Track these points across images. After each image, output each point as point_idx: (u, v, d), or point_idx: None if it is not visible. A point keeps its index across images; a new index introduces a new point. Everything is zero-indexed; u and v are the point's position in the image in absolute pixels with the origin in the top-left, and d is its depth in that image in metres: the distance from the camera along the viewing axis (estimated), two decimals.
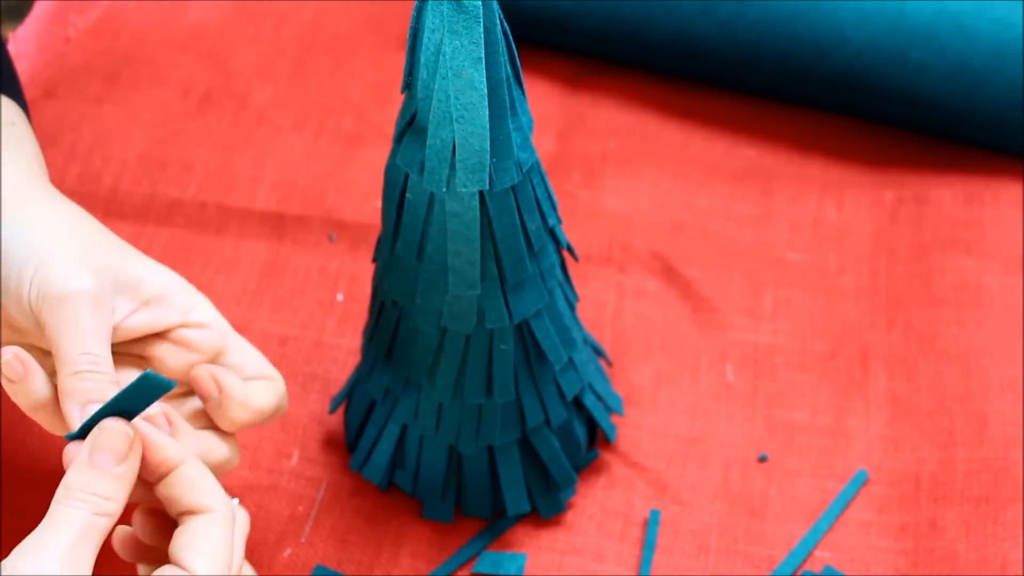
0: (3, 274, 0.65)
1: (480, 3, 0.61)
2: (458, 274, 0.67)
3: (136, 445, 0.60)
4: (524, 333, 0.70)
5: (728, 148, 0.91)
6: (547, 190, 0.69)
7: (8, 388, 0.63)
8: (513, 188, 0.66)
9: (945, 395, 0.79)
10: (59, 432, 0.64)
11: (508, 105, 0.64)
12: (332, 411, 0.77)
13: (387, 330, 0.71)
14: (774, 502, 0.76)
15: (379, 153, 0.70)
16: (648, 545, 0.74)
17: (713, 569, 0.73)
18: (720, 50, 0.90)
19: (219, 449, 0.67)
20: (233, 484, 0.75)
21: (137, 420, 0.60)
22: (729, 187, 0.89)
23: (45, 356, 0.66)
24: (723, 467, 0.77)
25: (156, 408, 0.63)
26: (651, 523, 0.74)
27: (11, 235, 0.65)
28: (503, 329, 0.69)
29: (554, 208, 0.70)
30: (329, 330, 0.81)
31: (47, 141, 0.89)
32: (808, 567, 0.73)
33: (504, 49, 0.63)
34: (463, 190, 0.64)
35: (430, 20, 0.62)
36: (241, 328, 0.81)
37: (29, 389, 0.63)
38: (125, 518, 0.62)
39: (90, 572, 0.58)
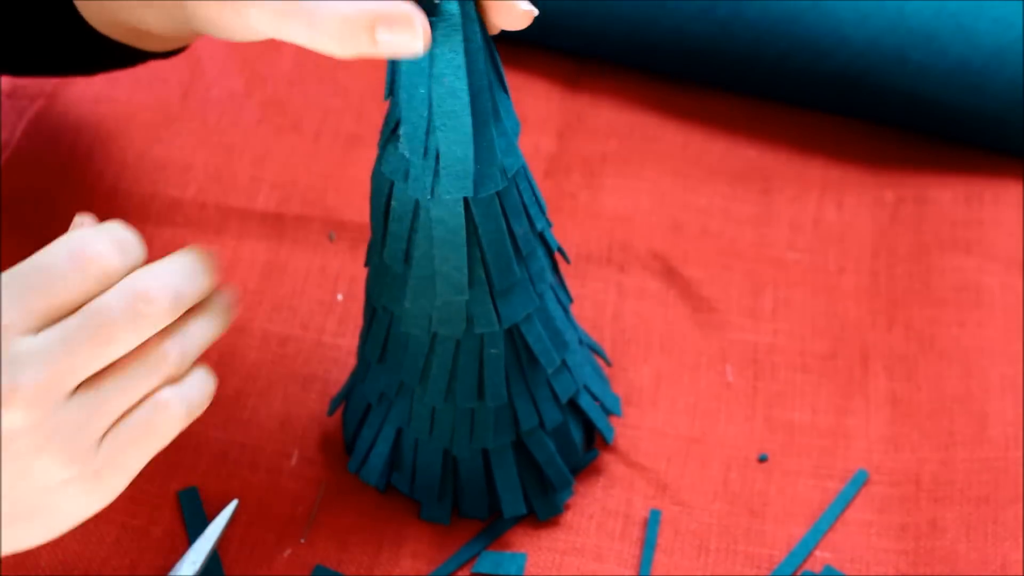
0: None
1: (458, 12, 0.61)
2: (446, 280, 0.67)
3: None
4: (515, 337, 0.70)
5: (728, 148, 0.91)
6: (535, 194, 0.69)
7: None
8: (499, 193, 0.66)
9: (945, 395, 0.79)
10: None
11: (491, 111, 0.64)
12: (331, 413, 0.77)
13: (379, 334, 0.71)
14: (774, 502, 0.76)
15: None
16: (648, 545, 0.74)
17: (713, 569, 0.73)
18: (720, 50, 0.90)
19: None
20: (233, 484, 0.76)
21: None
22: (729, 187, 0.89)
23: None
24: (723, 467, 0.77)
25: None
26: (651, 523, 0.74)
27: None
28: (493, 334, 0.69)
29: (542, 212, 0.70)
30: (329, 330, 0.81)
31: (47, 141, 0.89)
32: (808, 567, 0.73)
33: (486, 56, 0.63)
34: (447, 197, 0.64)
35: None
36: (241, 328, 0.81)
37: None
38: None
39: None
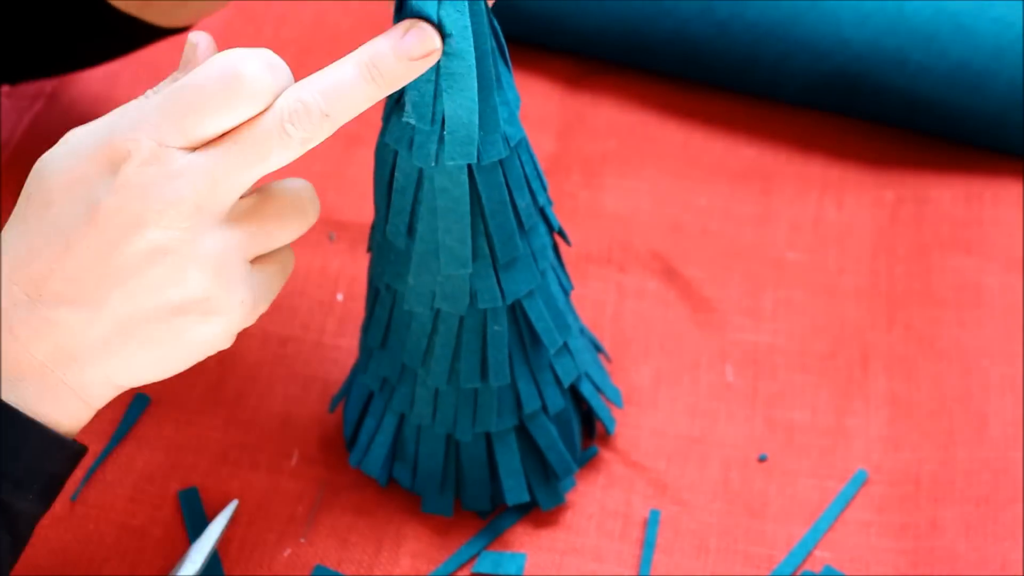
0: None
1: None
2: (449, 252, 0.67)
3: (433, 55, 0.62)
4: (518, 315, 0.70)
5: (728, 148, 0.91)
6: (536, 168, 0.69)
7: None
8: (501, 163, 0.66)
9: (945, 395, 0.79)
10: None
11: (494, 78, 0.64)
12: (332, 410, 0.77)
13: (382, 317, 0.71)
14: (774, 502, 0.76)
15: None
16: (648, 545, 0.74)
17: (713, 569, 0.73)
18: (720, 50, 0.90)
19: None
20: (233, 484, 0.76)
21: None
22: (729, 187, 0.89)
23: None
24: (723, 467, 0.77)
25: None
26: (651, 523, 0.74)
27: None
28: (496, 310, 0.69)
29: (544, 187, 0.70)
30: (329, 330, 0.81)
31: (47, 141, 0.89)
32: (808, 567, 0.73)
33: (487, 20, 0.64)
34: (451, 163, 0.65)
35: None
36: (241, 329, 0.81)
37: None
38: None
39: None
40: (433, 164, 0.65)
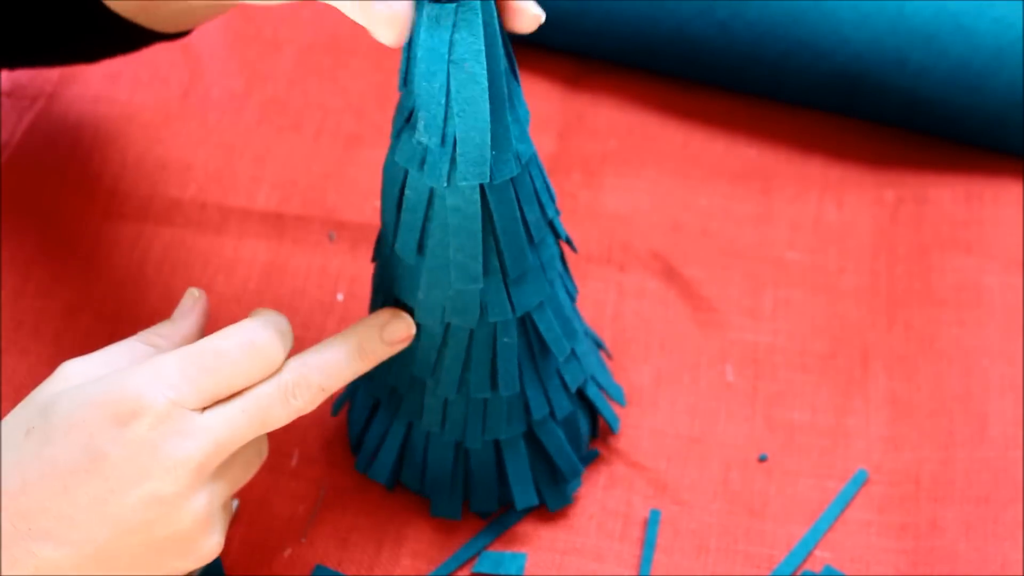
0: None
1: None
2: (460, 269, 0.67)
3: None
4: (527, 326, 0.70)
5: (728, 148, 0.91)
6: (545, 182, 0.69)
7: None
8: (513, 180, 0.66)
9: (945, 395, 0.79)
10: None
11: (506, 98, 0.64)
12: (335, 413, 0.77)
13: None
14: (774, 502, 0.76)
15: (379, 153, 0.70)
16: (648, 545, 0.74)
17: (713, 569, 0.73)
18: (720, 50, 0.90)
19: None
20: None
21: None
22: (729, 187, 0.89)
23: None
24: (723, 467, 0.77)
25: None
26: (651, 523, 0.75)
27: None
28: (506, 322, 0.69)
29: (552, 200, 0.70)
30: (329, 330, 0.81)
31: (47, 142, 0.89)
32: (808, 567, 0.73)
33: (501, 41, 0.63)
34: (464, 183, 0.64)
35: (427, 12, 0.62)
36: None
37: None
38: None
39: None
40: (445, 184, 0.65)
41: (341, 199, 0.87)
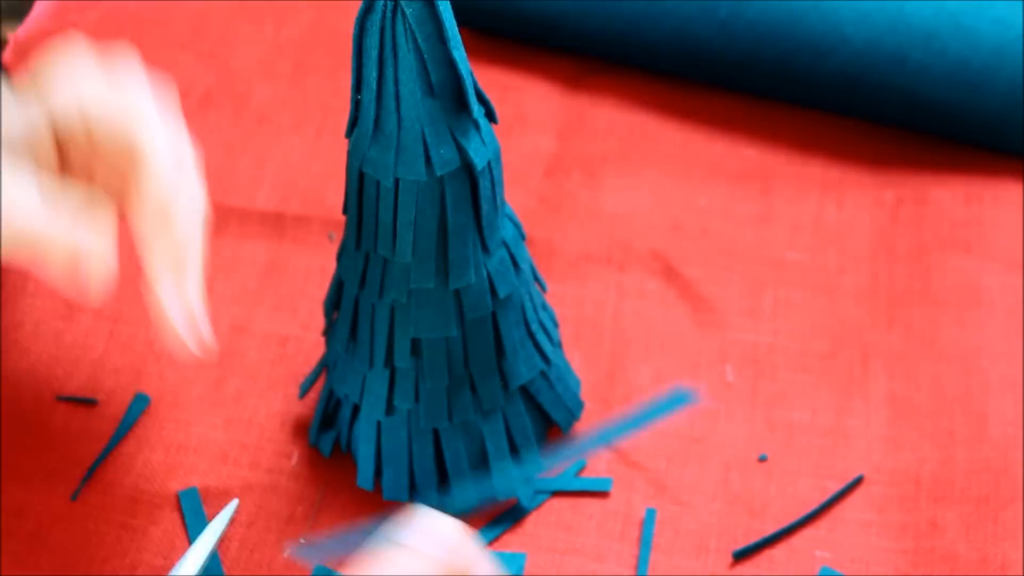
0: None
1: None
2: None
3: None
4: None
5: (728, 148, 0.91)
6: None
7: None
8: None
9: (945, 395, 0.79)
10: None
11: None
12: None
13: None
14: (774, 502, 0.76)
15: None
16: (644, 544, 0.74)
17: (713, 569, 0.73)
18: (720, 50, 0.90)
19: None
20: (233, 484, 0.76)
21: None
22: (729, 187, 0.89)
23: None
24: (723, 467, 0.77)
25: None
26: (647, 522, 0.75)
27: None
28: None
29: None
30: None
31: None
32: (808, 567, 0.73)
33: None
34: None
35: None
36: (241, 328, 0.81)
37: None
38: None
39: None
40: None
41: (341, 199, 0.87)
